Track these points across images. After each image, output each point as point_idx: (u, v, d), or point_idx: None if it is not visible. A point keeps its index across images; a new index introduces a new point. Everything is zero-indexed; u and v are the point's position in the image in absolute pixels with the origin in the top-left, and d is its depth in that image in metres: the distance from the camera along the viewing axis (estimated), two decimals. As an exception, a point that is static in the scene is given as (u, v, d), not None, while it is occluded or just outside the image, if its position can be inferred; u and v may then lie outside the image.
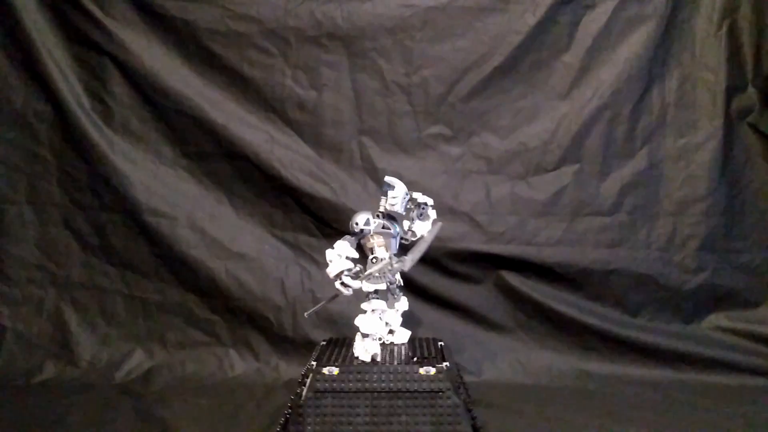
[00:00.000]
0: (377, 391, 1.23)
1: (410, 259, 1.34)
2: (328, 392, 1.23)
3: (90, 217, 1.76)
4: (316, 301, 1.73)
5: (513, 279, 1.76)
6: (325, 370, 1.23)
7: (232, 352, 1.72)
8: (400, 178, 1.75)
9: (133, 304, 1.75)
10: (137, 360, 1.69)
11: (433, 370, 1.24)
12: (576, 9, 1.77)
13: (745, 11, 1.79)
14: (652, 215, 1.80)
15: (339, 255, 1.32)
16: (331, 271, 1.32)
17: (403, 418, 1.22)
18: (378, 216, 1.36)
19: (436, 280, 1.74)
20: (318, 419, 1.21)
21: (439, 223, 1.38)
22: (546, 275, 1.77)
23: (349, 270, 1.32)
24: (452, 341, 1.64)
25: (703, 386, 1.63)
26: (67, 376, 1.65)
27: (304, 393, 1.22)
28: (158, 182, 1.75)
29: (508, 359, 1.72)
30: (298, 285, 1.74)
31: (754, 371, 1.68)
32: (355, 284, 1.32)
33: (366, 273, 1.33)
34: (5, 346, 1.69)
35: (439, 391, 1.23)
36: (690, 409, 1.48)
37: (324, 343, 1.44)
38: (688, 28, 1.80)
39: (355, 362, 1.28)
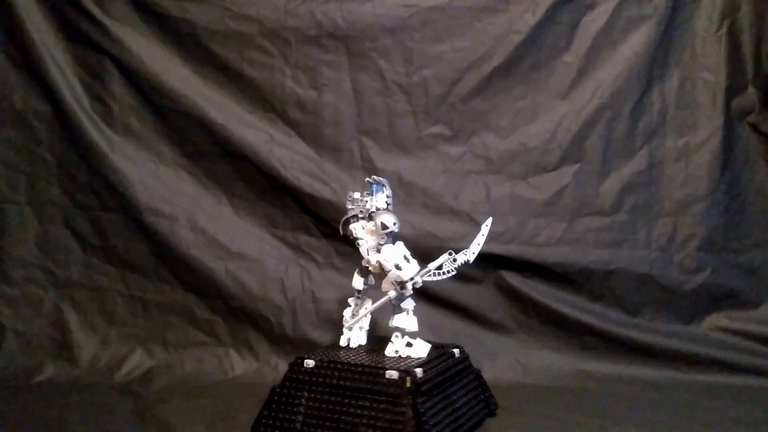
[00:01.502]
0: (449, 381, 1.29)
1: (472, 252, 1.36)
2: (433, 394, 1.22)
3: (90, 217, 1.76)
4: (316, 301, 1.73)
5: (513, 279, 1.76)
6: (418, 373, 1.21)
7: (232, 352, 1.72)
8: (400, 178, 1.76)
9: (133, 304, 1.75)
10: (137, 360, 1.69)
11: (459, 351, 1.39)
12: (576, 9, 1.78)
13: (745, 11, 1.80)
14: (652, 215, 1.80)
15: (406, 257, 1.30)
16: (407, 274, 1.29)
17: (462, 399, 1.32)
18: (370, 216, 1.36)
19: (436, 280, 1.74)
20: (432, 421, 1.19)
21: (490, 218, 1.40)
22: (546, 275, 1.77)
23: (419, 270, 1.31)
24: (452, 341, 1.64)
25: (703, 386, 1.63)
26: (67, 376, 1.65)
27: (410, 401, 1.18)
28: (158, 182, 1.75)
29: (508, 359, 1.72)
30: (298, 285, 1.74)
31: (754, 371, 1.68)
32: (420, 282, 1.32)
33: (424, 270, 1.32)
34: (5, 345, 1.69)
35: (469, 366, 1.41)
36: (690, 409, 1.48)
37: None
38: (688, 28, 1.81)
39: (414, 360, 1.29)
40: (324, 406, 1.23)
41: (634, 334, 1.73)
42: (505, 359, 1.72)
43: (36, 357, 1.68)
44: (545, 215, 1.79)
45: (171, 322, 1.74)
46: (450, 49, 1.76)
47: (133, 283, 1.76)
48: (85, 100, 1.74)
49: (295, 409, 1.25)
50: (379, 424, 1.17)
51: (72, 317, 1.73)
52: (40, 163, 1.75)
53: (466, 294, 1.76)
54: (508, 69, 1.77)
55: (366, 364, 1.25)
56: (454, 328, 1.75)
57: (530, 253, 1.76)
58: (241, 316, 1.73)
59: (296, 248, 1.78)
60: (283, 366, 1.68)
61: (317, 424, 1.22)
